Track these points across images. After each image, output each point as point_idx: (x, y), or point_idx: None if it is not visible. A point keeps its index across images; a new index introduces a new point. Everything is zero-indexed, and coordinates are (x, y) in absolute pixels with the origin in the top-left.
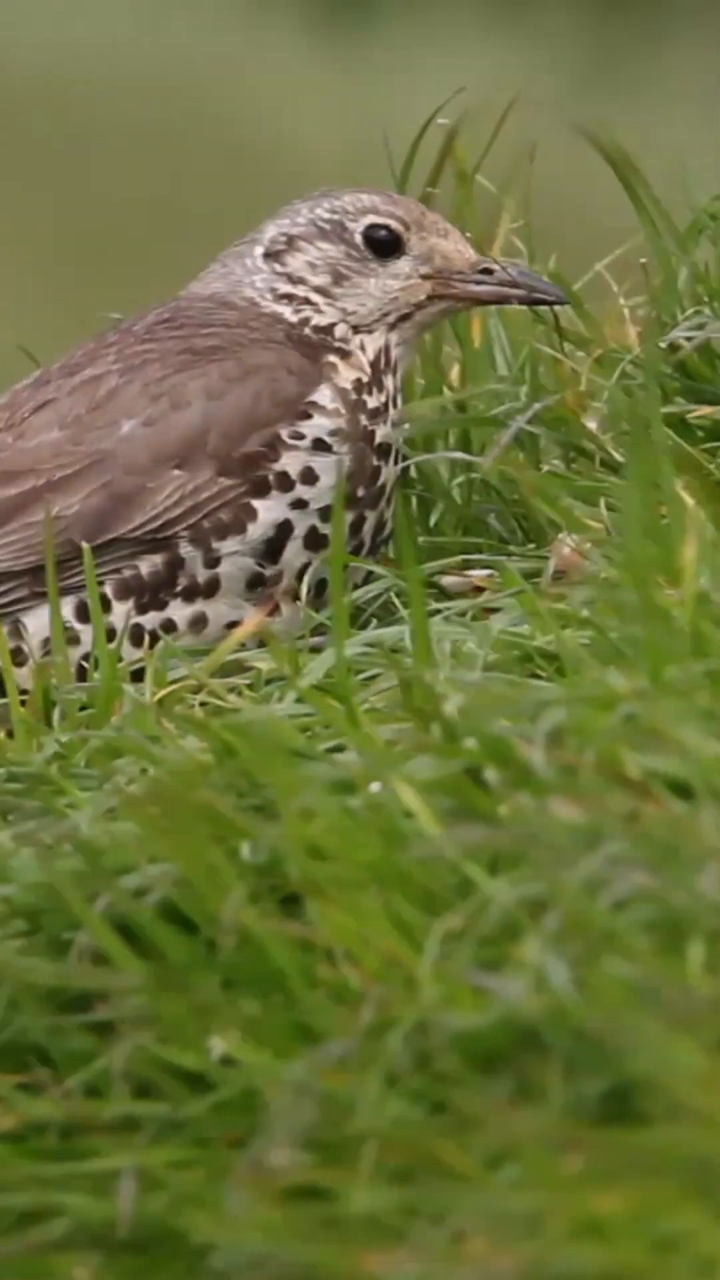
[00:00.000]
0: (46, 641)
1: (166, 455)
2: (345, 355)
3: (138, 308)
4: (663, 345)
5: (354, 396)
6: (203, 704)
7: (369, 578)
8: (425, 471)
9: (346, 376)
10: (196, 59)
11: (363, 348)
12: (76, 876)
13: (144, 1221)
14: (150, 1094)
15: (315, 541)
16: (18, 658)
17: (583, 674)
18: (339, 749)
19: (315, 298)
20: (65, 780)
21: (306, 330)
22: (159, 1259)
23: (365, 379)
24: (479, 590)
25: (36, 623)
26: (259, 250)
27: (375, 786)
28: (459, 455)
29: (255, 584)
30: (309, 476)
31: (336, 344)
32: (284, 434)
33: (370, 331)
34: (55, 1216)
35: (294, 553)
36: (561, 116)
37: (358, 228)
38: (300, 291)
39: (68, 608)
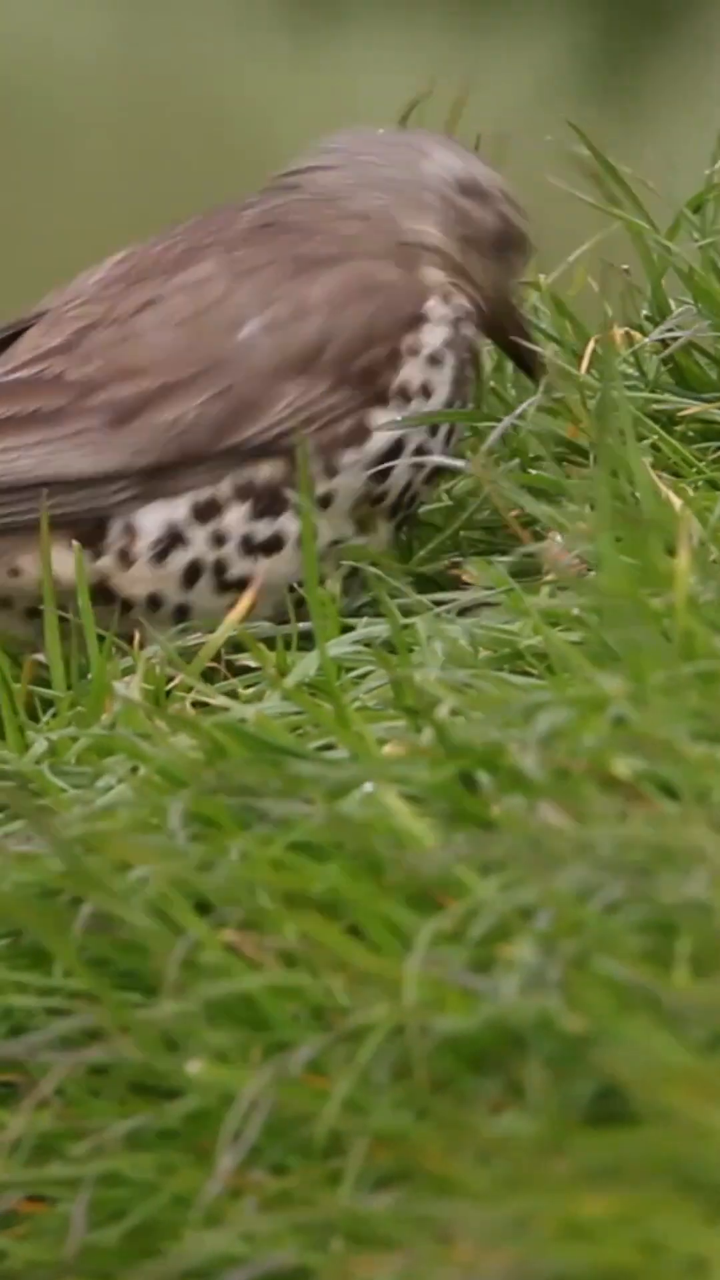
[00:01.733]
0: (158, 543)
1: (287, 364)
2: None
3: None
4: (648, 342)
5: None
6: (195, 704)
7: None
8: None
9: (440, 278)
10: (175, 60)
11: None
12: (61, 879)
13: (130, 1227)
14: (133, 1098)
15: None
16: (126, 558)
17: (572, 674)
18: (330, 747)
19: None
20: (54, 778)
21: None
22: (143, 1263)
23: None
24: (469, 587)
25: (152, 520)
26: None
27: (367, 787)
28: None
29: (361, 503)
30: (426, 390)
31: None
32: (402, 347)
33: None
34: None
35: (400, 471)
36: (541, 120)
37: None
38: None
39: (183, 509)
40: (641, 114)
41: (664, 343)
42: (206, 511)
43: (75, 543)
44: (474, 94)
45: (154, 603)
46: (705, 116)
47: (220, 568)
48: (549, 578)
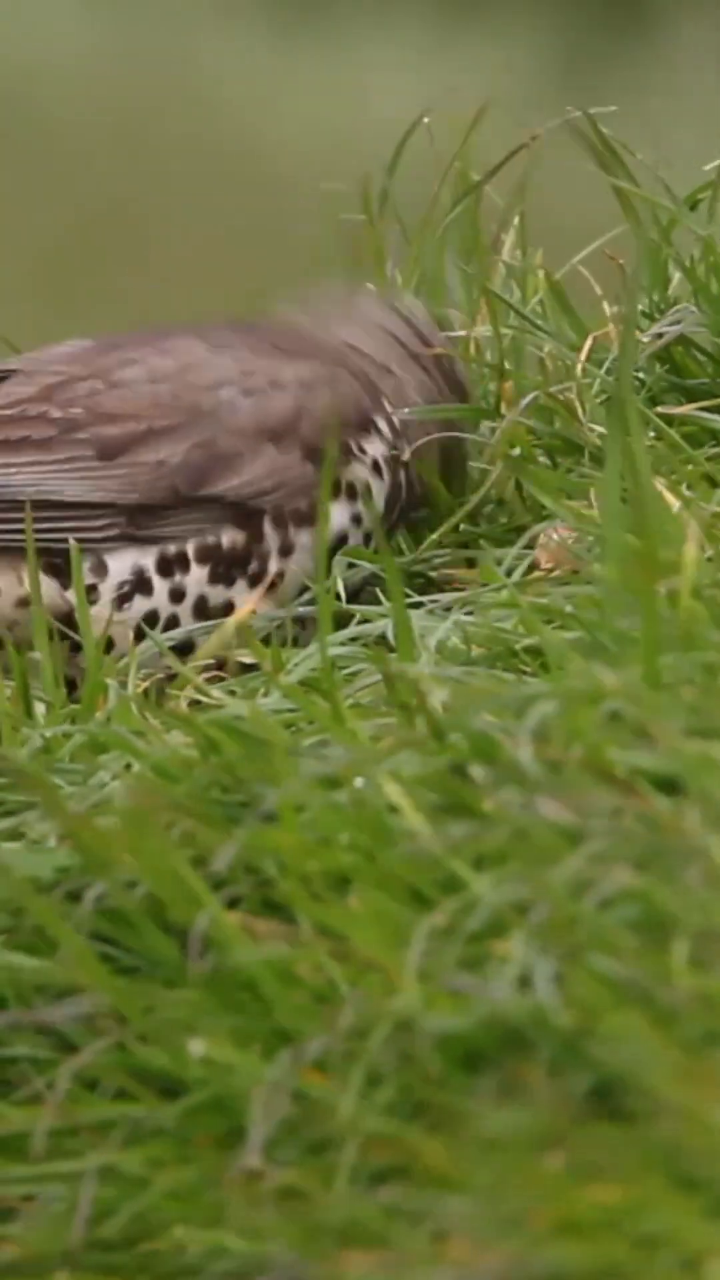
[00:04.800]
0: (122, 584)
1: (266, 428)
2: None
3: (106, 312)
4: (645, 340)
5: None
6: (191, 701)
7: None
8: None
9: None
10: (164, 60)
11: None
12: (60, 872)
13: (125, 1222)
14: (130, 1094)
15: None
16: (91, 595)
17: (568, 669)
18: (325, 743)
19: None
20: (49, 774)
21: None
22: (140, 1258)
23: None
24: (466, 584)
25: (118, 564)
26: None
27: (359, 782)
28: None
29: (302, 592)
30: (367, 494)
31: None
32: (354, 446)
33: None
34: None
35: (339, 568)
36: (540, 112)
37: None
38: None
39: (150, 557)
40: (614, 113)
41: (659, 336)
42: (172, 565)
43: (73, 540)
44: (455, 90)
45: (107, 646)
46: (664, 118)
47: (171, 626)
48: (543, 571)
